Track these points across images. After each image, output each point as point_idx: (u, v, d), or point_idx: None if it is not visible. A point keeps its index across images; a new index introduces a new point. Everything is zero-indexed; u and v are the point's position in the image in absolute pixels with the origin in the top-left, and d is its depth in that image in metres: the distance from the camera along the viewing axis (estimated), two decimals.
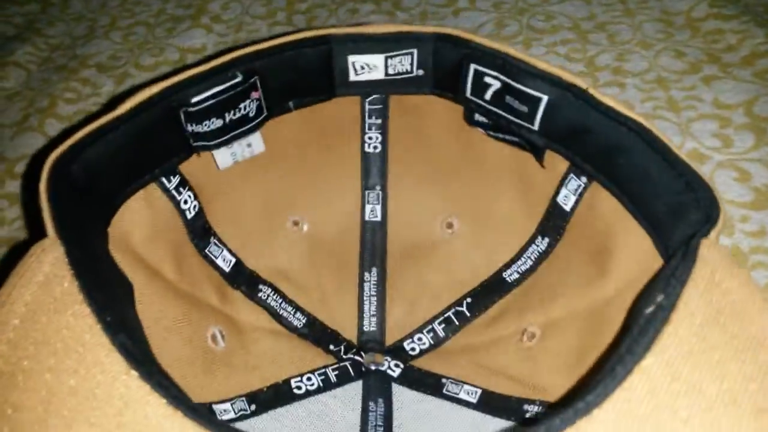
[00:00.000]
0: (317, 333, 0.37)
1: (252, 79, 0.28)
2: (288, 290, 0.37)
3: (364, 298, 0.38)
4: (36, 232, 0.21)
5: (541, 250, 0.33)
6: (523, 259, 0.34)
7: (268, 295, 0.36)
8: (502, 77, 0.27)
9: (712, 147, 0.42)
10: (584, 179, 0.29)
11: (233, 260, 0.35)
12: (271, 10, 0.63)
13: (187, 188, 0.32)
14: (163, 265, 0.31)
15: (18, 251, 0.20)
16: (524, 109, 0.27)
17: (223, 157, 0.31)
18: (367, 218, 0.37)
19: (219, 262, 0.34)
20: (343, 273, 0.38)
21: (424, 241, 0.38)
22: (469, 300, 0.36)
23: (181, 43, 0.61)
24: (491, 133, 0.32)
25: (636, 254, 0.27)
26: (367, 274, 0.38)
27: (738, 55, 0.48)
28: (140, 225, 0.29)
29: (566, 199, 0.31)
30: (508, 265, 0.35)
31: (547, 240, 0.33)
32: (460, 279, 0.37)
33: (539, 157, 0.30)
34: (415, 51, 0.29)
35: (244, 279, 0.35)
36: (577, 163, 0.28)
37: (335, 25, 0.57)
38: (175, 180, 0.31)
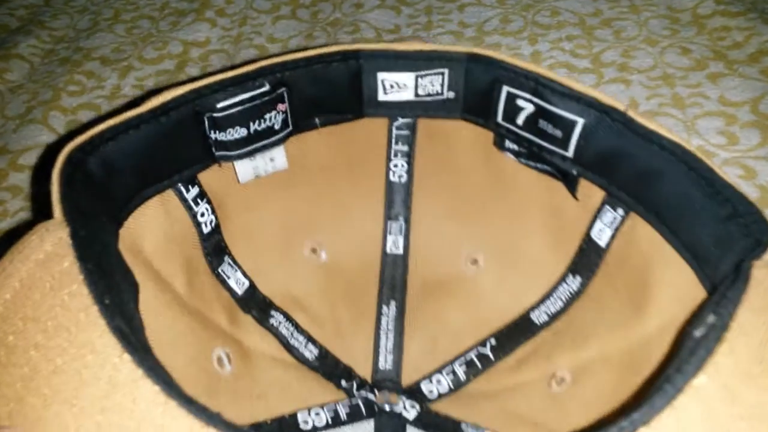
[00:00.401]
0: (329, 367, 0.35)
1: (279, 90, 0.27)
2: (301, 319, 0.35)
3: (381, 333, 0.36)
4: (42, 219, 0.20)
5: (572, 290, 0.31)
6: (552, 299, 0.32)
7: (280, 323, 0.34)
8: (535, 100, 0.25)
9: (718, 144, 0.42)
10: (620, 211, 0.27)
11: (247, 283, 0.33)
12: (276, 4, 0.63)
13: (205, 200, 0.30)
14: (174, 277, 0.30)
15: (18, 234, 0.19)
16: (558, 133, 0.25)
17: (245, 169, 0.30)
18: (388, 250, 0.36)
19: (231, 283, 0.33)
20: (360, 305, 0.36)
21: (447, 276, 0.36)
22: (493, 341, 0.34)
23: (185, 36, 0.61)
24: (522, 160, 0.30)
25: (677, 289, 0.25)
26: (385, 308, 0.36)
27: (744, 52, 0.48)
28: (154, 232, 0.28)
29: (601, 234, 0.29)
30: (536, 306, 0.33)
31: (579, 279, 0.31)
32: (485, 318, 0.35)
33: (572, 188, 0.28)
34: (446, 71, 0.28)
35: (256, 303, 0.34)
36: (613, 192, 0.26)
37: (340, 19, 0.57)
38: (194, 191, 0.30)
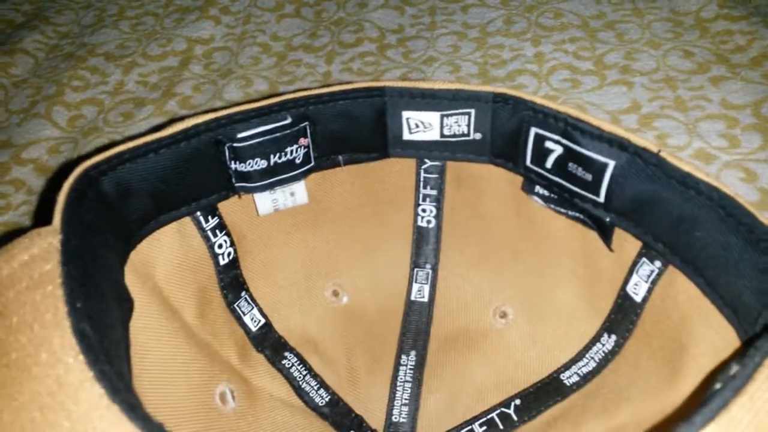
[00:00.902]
0: (339, 415, 0.33)
1: (302, 124, 0.27)
2: (315, 362, 0.34)
3: (398, 384, 0.34)
4: (42, 226, 0.20)
5: (606, 350, 0.29)
6: (585, 359, 0.30)
7: (293, 365, 0.33)
8: (564, 141, 0.24)
9: (719, 147, 0.42)
10: (658, 264, 0.25)
11: (262, 321, 0.33)
12: (280, 3, 0.63)
13: (224, 233, 0.30)
14: (184, 306, 0.29)
15: (16, 235, 0.19)
16: (588, 177, 0.24)
17: (264, 202, 0.30)
18: (413, 297, 0.34)
19: (246, 320, 0.32)
20: (377, 352, 0.35)
21: (472, 329, 0.34)
22: (517, 402, 0.32)
23: (189, 33, 0.61)
24: (552, 206, 0.29)
25: (716, 349, 0.23)
26: (404, 357, 0.34)
27: (747, 56, 0.48)
28: (168, 259, 0.28)
29: (637, 288, 0.27)
30: (567, 366, 0.31)
31: (614, 338, 0.29)
32: (510, 377, 0.33)
33: (607, 238, 0.26)
34: (472, 111, 0.27)
35: (270, 343, 0.33)
36: (649, 242, 0.24)
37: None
38: (213, 221, 0.29)
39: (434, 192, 0.32)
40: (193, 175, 0.26)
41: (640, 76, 0.48)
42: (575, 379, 0.30)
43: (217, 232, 0.30)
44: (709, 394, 0.15)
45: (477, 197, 0.32)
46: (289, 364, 0.33)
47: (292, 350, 0.34)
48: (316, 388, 0.33)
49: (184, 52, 0.59)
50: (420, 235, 0.33)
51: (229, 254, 0.31)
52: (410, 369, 0.34)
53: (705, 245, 0.22)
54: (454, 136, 0.28)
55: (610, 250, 0.27)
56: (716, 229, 0.21)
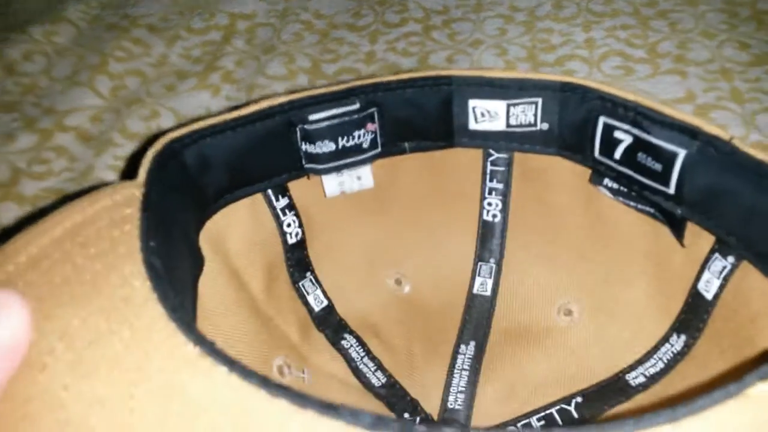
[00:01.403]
0: (394, 397, 0.33)
1: (370, 110, 0.28)
2: (374, 345, 0.34)
3: (455, 371, 0.34)
4: None
5: (675, 351, 0.28)
6: (653, 360, 0.29)
7: (351, 346, 0.33)
8: (633, 131, 0.24)
9: None
10: (731, 259, 0.24)
11: (325, 302, 0.33)
12: None
13: (293, 212, 0.31)
14: (253, 279, 0.30)
15: (60, 203, 0.20)
16: (658, 167, 0.23)
17: (331, 184, 0.30)
18: (475, 290, 0.34)
19: (310, 299, 0.33)
20: (436, 340, 0.34)
21: (536, 325, 0.33)
22: (579, 399, 0.31)
23: (232, 8, 0.60)
24: (621, 199, 0.28)
25: None
26: (463, 347, 0.34)
27: None
28: (240, 232, 0.29)
29: (708, 285, 0.26)
30: (633, 367, 0.30)
31: (683, 338, 0.28)
32: (572, 374, 0.32)
33: (678, 233, 0.26)
34: (539, 100, 0.26)
35: (331, 323, 0.33)
36: (722, 236, 0.24)
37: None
38: (284, 201, 0.30)
39: (500, 185, 0.32)
40: (266, 154, 0.27)
41: (695, 66, 0.47)
42: (641, 380, 0.29)
43: (287, 211, 0.31)
44: None
45: (544, 191, 0.31)
46: (347, 344, 0.33)
47: (351, 332, 0.34)
48: (373, 369, 0.33)
49: (227, 27, 0.59)
50: (485, 229, 0.33)
51: (297, 234, 0.32)
52: (468, 358, 0.34)
53: None
54: (521, 126, 0.28)
55: (682, 245, 0.26)
56: None
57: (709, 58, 0.48)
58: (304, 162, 0.28)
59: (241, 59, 0.55)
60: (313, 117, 0.27)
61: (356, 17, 0.58)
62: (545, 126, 0.27)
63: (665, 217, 0.26)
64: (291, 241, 0.31)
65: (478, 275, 0.34)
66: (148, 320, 0.16)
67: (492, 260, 0.33)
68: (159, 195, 0.20)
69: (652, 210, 0.27)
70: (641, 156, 0.24)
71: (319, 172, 0.29)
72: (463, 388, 0.33)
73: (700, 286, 0.26)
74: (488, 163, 0.31)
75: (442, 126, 0.29)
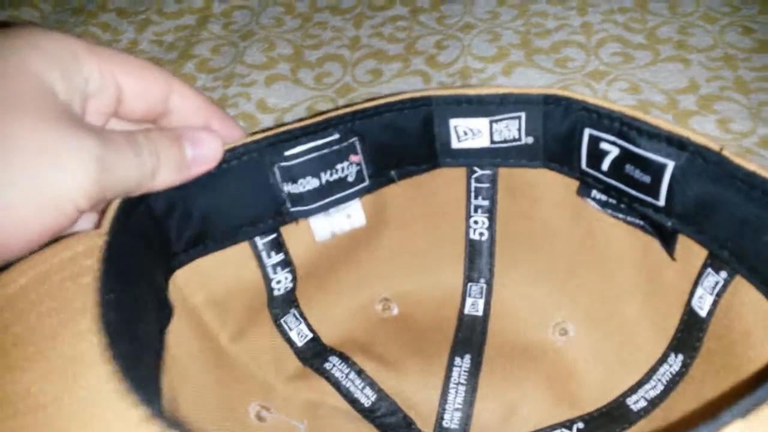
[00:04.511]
0: (386, 416, 0.32)
1: (351, 140, 0.26)
2: (361, 361, 0.32)
3: (451, 386, 0.32)
4: None
5: (674, 371, 0.27)
6: (652, 382, 0.28)
7: (334, 365, 0.32)
8: (620, 142, 0.23)
9: None
10: (724, 274, 0.23)
11: (310, 335, 0.32)
12: None
13: (288, 269, 0.30)
14: (222, 329, 0.29)
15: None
16: (647, 179, 0.23)
17: (321, 227, 0.29)
18: (466, 312, 0.33)
19: (293, 335, 0.31)
20: (429, 354, 0.33)
21: (531, 345, 0.32)
22: (581, 425, 0.30)
23: None
24: (610, 211, 0.27)
25: None
26: (458, 359, 0.32)
27: None
28: (216, 284, 0.28)
29: (702, 302, 0.25)
30: (633, 390, 0.29)
31: (681, 358, 0.27)
32: (572, 396, 0.31)
33: (669, 246, 0.25)
34: (522, 115, 0.25)
35: (315, 354, 0.32)
36: (714, 250, 0.23)
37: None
38: (277, 257, 0.29)
39: (486, 202, 0.31)
40: (243, 198, 0.26)
41: (697, 53, 0.45)
42: (642, 404, 0.28)
43: (278, 269, 0.29)
44: None
45: (531, 206, 0.30)
46: (330, 366, 0.32)
47: (335, 353, 0.32)
48: (360, 387, 0.32)
49: (202, 10, 0.55)
50: (473, 248, 0.32)
51: (287, 288, 0.30)
52: (464, 371, 0.32)
53: None
54: (505, 141, 0.27)
55: (673, 259, 0.25)
56: None
57: (712, 44, 0.45)
58: (289, 206, 0.27)
59: (218, 46, 0.52)
60: (289, 152, 0.25)
61: None
62: (530, 140, 0.26)
63: (655, 230, 0.25)
64: (278, 293, 0.30)
65: (469, 296, 0.33)
66: (98, 380, 0.16)
67: (482, 280, 0.32)
68: (123, 244, 0.20)
69: (641, 222, 0.26)
70: (629, 168, 0.23)
71: (307, 214, 0.27)
72: (460, 406, 0.32)
73: (694, 302, 0.25)
74: (472, 181, 0.30)
75: (425, 148, 0.28)
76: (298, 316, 0.31)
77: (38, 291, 0.18)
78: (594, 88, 0.43)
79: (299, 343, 0.31)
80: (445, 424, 0.32)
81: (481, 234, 0.31)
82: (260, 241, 0.28)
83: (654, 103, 0.42)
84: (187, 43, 0.52)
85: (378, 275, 0.33)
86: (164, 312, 0.24)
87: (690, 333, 0.26)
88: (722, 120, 0.40)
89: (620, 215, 0.27)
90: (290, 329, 0.31)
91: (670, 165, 0.22)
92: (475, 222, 0.31)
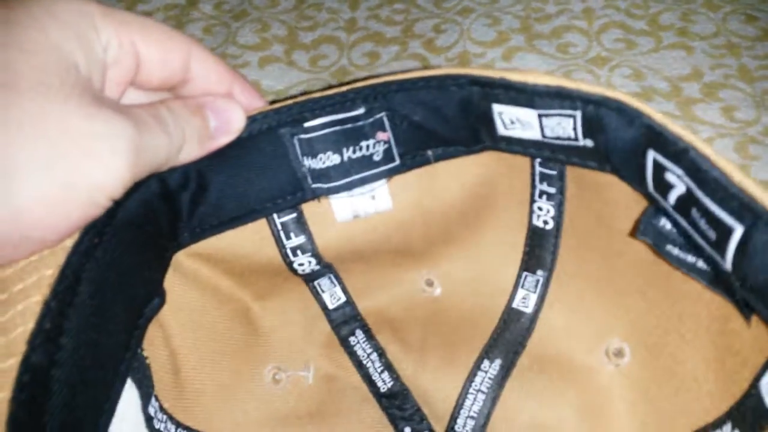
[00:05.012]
0: (398, 408, 0.30)
1: (378, 115, 0.23)
2: (386, 340, 0.31)
3: (471, 391, 0.30)
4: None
5: None
6: None
7: (358, 342, 0.30)
8: (686, 179, 0.18)
9: None
10: None
11: (343, 299, 0.30)
12: None
13: (309, 254, 0.28)
14: (247, 290, 0.28)
15: None
16: (712, 235, 0.18)
17: (342, 207, 0.26)
18: (515, 305, 0.29)
19: (325, 297, 0.29)
20: (458, 347, 0.30)
21: (576, 360, 0.29)
22: None
23: None
24: (670, 249, 0.21)
25: None
26: (486, 363, 0.30)
27: None
28: (236, 256, 0.26)
29: None
30: None
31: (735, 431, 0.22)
32: (602, 429, 0.28)
33: (741, 307, 0.20)
34: (576, 114, 0.21)
35: (345, 319, 0.30)
36: None
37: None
38: (298, 239, 0.27)
39: (553, 189, 0.26)
40: (261, 171, 0.24)
41: (700, 41, 0.44)
42: None
43: (299, 253, 0.27)
44: None
45: (603, 207, 0.26)
46: (354, 341, 0.30)
47: (363, 327, 0.31)
48: (380, 370, 0.30)
49: None
50: (535, 236, 0.28)
51: (313, 269, 0.28)
52: (489, 378, 0.30)
53: None
54: (560, 138, 0.22)
55: (747, 320, 0.20)
56: None
57: (714, 32, 0.45)
58: (310, 181, 0.24)
59: (209, 26, 0.50)
60: (309, 124, 0.23)
61: None
62: (589, 143, 0.21)
63: (727, 292, 0.20)
64: (304, 272, 0.28)
65: (522, 287, 0.29)
66: None
67: (540, 272, 0.29)
68: (102, 236, 0.18)
69: (710, 271, 0.21)
70: (695, 213, 0.18)
71: (328, 192, 0.25)
72: (476, 414, 0.30)
73: (763, 389, 0.20)
74: (537, 164, 0.26)
75: (465, 130, 0.24)
76: (334, 279, 0.29)
77: None
78: (597, 74, 0.43)
79: (331, 305, 0.30)
80: (457, 428, 0.30)
81: (545, 222, 0.28)
82: (278, 220, 0.26)
83: (657, 90, 0.41)
84: (177, 23, 0.50)
85: (423, 249, 0.30)
86: (147, 306, 0.22)
87: (753, 415, 0.21)
88: (726, 108, 0.40)
89: (688, 259, 0.21)
90: (323, 291, 0.29)
91: (739, 230, 0.17)
92: (540, 208, 0.27)
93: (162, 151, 0.19)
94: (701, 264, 0.20)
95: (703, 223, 0.18)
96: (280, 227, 0.26)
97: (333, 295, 0.30)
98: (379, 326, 0.31)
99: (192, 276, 0.25)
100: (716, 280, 0.20)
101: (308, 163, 0.24)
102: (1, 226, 0.15)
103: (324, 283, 0.29)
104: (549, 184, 0.26)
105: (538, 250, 0.28)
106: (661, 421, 0.26)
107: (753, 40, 0.44)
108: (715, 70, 0.42)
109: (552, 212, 0.27)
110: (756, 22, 0.45)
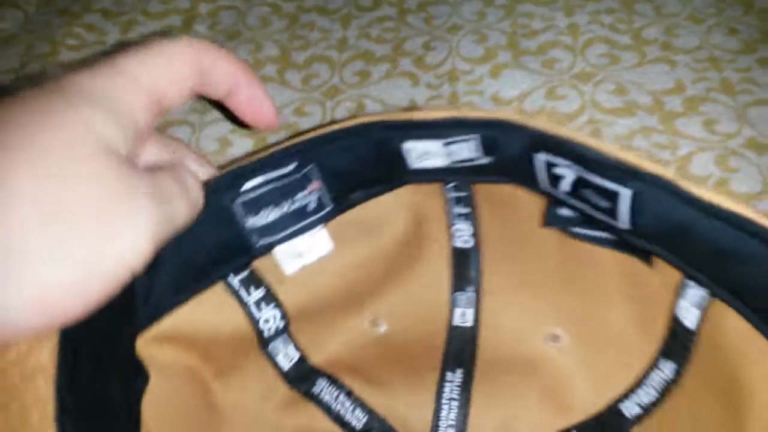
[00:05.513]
0: None
1: (308, 168, 0.26)
2: (351, 383, 0.32)
3: (443, 402, 0.32)
4: None
5: (666, 378, 0.27)
6: (644, 388, 0.28)
7: (323, 389, 0.31)
8: (574, 168, 0.22)
9: None
10: (705, 291, 0.24)
11: (297, 357, 0.31)
12: None
13: (273, 304, 0.29)
14: (209, 369, 0.28)
15: None
16: (606, 204, 0.22)
17: (288, 259, 0.28)
18: (455, 323, 0.32)
19: (279, 359, 0.31)
20: (419, 368, 0.33)
21: (524, 355, 0.32)
22: None
23: None
24: (577, 231, 0.27)
25: None
26: (449, 374, 0.32)
27: None
28: (199, 329, 0.27)
29: (687, 314, 0.25)
30: (626, 395, 0.29)
31: (673, 365, 0.27)
32: (565, 405, 0.31)
33: (645, 259, 0.25)
34: (474, 138, 0.25)
35: (302, 375, 0.31)
36: (690, 273, 0.22)
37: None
38: (257, 293, 0.28)
39: (466, 210, 0.30)
40: (211, 238, 0.25)
41: (683, 55, 0.45)
42: (636, 411, 0.28)
43: (263, 305, 0.29)
44: None
45: (512, 217, 0.29)
46: (318, 389, 0.31)
47: (323, 375, 0.32)
48: (351, 409, 0.31)
49: (188, 10, 0.55)
50: (458, 257, 0.31)
51: (278, 328, 0.29)
52: (457, 386, 0.32)
53: (754, 281, 0.20)
54: (464, 161, 0.26)
55: (649, 265, 0.25)
56: (763, 264, 0.19)
57: (698, 45, 0.46)
58: (256, 239, 0.26)
59: None
60: (247, 186, 0.25)
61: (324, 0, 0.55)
62: (489, 160, 0.25)
63: (628, 248, 0.25)
64: (269, 334, 0.29)
65: (457, 306, 0.32)
66: None
67: (470, 288, 0.32)
68: (82, 325, 0.18)
69: (610, 236, 0.25)
70: (587, 192, 0.22)
71: (272, 245, 0.27)
72: (453, 422, 0.31)
73: (680, 313, 0.25)
74: (449, 189, 0.29)
75: (384, 169, 0.27)
76: (287, 338, 0.31)
77: None
78: (581, 90, 0.43)
79: (286, 366, 0.31)
80: None
81: (465, 242, 0.31)
82: (235, 279, 0.27)
83: (640, 104, 0.42)
84: None
85: (363, 290, 0.32)
86: (137, 381, 0.23)
87: (679, 342, 0.26)
88: (708, 121, 0.40)
89: (589, 233, 0.26)
90: (278, 353, 0.31)
91: (626, 192, 0.21)
92: (458, 230, 0.31)
93: (181, 219, 0.20)
94: (605, 235, 0.26)
95: (596, 198, 0.22)
96: (238, 285, 0.27)
97: (287, 356, 0.31)
98: (339, 372, 0.32)
99: (156, 357, 0.25)
100: (618, 242, 0.25)
101: (252, 221, 0.26)
102: (15, 312, 0.15)
103: (278, 345, 0.30)
104: (463, 206, 0.30)
105: (464, 269, 0.31)
106: (608, 380, 0.30)
107: (735, 53, 0.45)
108: (697, 83, 0.43)
109: (470, 231, 0.30)
110: (738, 35, 0.46)
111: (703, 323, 0.24)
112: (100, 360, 0.19)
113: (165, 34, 0.53)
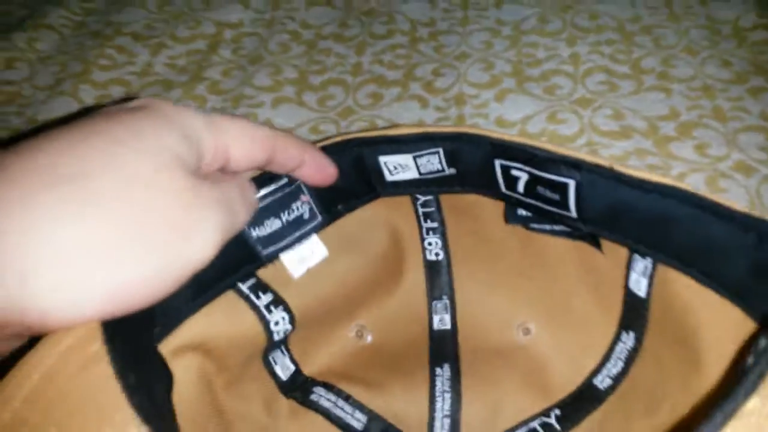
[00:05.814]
0: None
1: (296, 182, 0.29)
2: (347, 388, 0.34)
3: (437, 395, 0.34)
4: None
5: (629, 347, 0.30)
6: (612, 360, 0.31)
7: (321, 396, 0.34)
8: (527, 168, 0.26)
9: (759, 159, 0.42)
10: (649, 259, 0.27)
11: (292, 368, 0.34)
12: None
13: (281, 307, 0.32)
14: (219, 376, 0.30)
15: None
16: (556, 197, 0.25)
17: (294, 264, 0.31)
18: (435, 327, 0.35)
19: (277, 369, 0.33)
20: (410, 371, 0.35)
21: (501, 347, 0.35)
22: (558, 412, 0.33)
23: (218, 17, 0.60)
24: (535, 226, 0.30)
25: (727, 330, 0.23)
26: (438, 369, 0.35)
27: None
28: (214, 336, 0.29)
29: (638, 284, 0.28)
30: (597, 370, 0.32)
31: (633, 334, 0.30)
32: (545, 387, 0.34)
33: (594, 243, 0.29)
34: (439, 150, 0.28)
35: (298, 385, 0.34)
36: (630, 246, 0.26)
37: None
38: (266, 297, 0.31)
39: (435, 224, 0.34)
40: (218, 253, 0.28)
41: (678, 83, 0.48)
42: (608, 382, 0.31)
43: (273, 308, 0.31)
44: (746, 368, 0.16)
45: (476, 223, 0.33)
46: (317, 397, 0.33)
47: (319, 384, 0.34)
48: (351, 412, 0.34)
49: (213, 36, 0.58)
50: (431, 269, 0.35)
51: (286, 331, 0.32)
52: (447, 379, 0.35)
53: (686, 241, 0.23)
54: (431, 173, 0.29)
55: (601, 252, 0.29)
56: (691, 223, 0.22)
57: (692, 75, 0.48)
58: (261, 249, 0.29)
59: (228, 69, 0.55)
60: None
61: (343, 27, 0.58)
62: (453, 170, 0.28)
63: (579, 236, 0.29)
64: (279, 337, 0.32)
65: (435, 313, 0.35)
66: None
67: (444, 297, 0.35)
68: (119, 320, 0.19)
69: (565, 229, 0.29)
70: (540, 189, 0.26)
71: (277, 253, 0.30)
72: (447, 412, 0.34)
73: (631, 285, 0.29)
74: (418, 207, 0.33)
75: (362, 183, 0.30)
76: (284, 350, 0.33)
77: (55, 387, 0.17)
78: (580, 115, 0.46)
79: (284, 377, 0.33)
80: (436, 431, 0.34)
81: (437, 254, 0.35)
82: (244, 286, 0.30)
83: (636, 128, 0.45)
84: (198, 67, 0.55)
85: (347, 303, 0.35)
86: (168, 376, 0.25)
87: (635, 312, 0.29)
88: (699, 145, 0.43)
89: (545, 227, 0.30)
90: (276, 364, 0.33)
91: (572, 183, 0.24)
92: (429, 244, 0.34)
93: (241, 222, 0.23)
94: (559, 227, 0.29)
95: (548, 192, 0.25)
96: (248, 291, 0.30)
97: (284, 367, 0.33)
98: (334, 380, 0.34)
99: (176, 363, 0.27)
100: (572, 232, 0.29)
101: (256, 233, 0.28)
102: (91, 303, 0.18)
103: (277, 355, 0.33)
104: (432, 220, 0.33)
105: (437, 280, 0.35)
106: (579, 359, 0.33)
107: (727, 82, 0.47)
108: (691, 110, 0.46)
109: (440, 244, 0.34)
110: (731, 66, 0.49)
111: (652, 289, 0.27)
112: (138, 354, 0.21)
113: (192, 56, 0.56)
